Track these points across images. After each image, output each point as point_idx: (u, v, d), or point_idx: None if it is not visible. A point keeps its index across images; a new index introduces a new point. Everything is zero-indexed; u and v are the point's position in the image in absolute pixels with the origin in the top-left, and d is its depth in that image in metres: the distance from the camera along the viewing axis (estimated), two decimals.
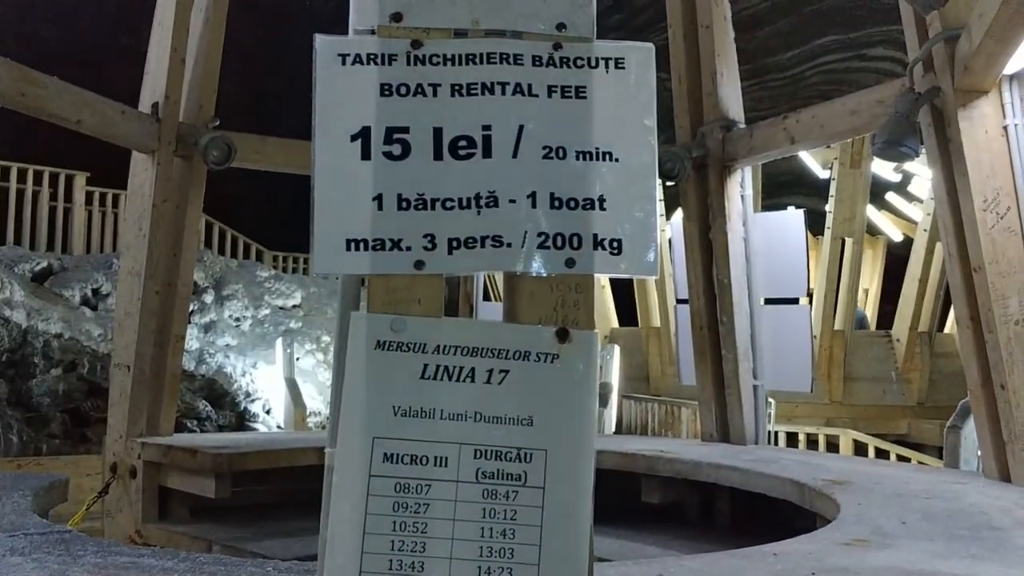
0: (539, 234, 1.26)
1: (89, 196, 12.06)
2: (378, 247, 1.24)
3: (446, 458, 1.20)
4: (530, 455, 1.21)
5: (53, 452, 8.04)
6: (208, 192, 5.66)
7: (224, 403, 9.59)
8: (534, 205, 1.27)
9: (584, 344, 1.26)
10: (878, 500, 3.30)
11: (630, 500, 4.67)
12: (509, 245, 1.25)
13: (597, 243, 1.28)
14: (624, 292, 14.89)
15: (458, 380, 1.23)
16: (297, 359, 10.11)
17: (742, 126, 5.34)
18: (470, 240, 1.25)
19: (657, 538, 4.31)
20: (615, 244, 1.28)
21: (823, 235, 12.10)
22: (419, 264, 1.25)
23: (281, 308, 10.96)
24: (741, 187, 5.27)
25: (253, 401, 9.80)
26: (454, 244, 1.25)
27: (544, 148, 1.29)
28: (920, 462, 8.46)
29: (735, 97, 5.41)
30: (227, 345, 10.24)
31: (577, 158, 1.30)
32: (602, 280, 15.27)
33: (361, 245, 1.24)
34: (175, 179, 5.27)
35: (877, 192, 13.10)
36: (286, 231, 9.99)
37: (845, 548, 2.54)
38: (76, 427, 8.55)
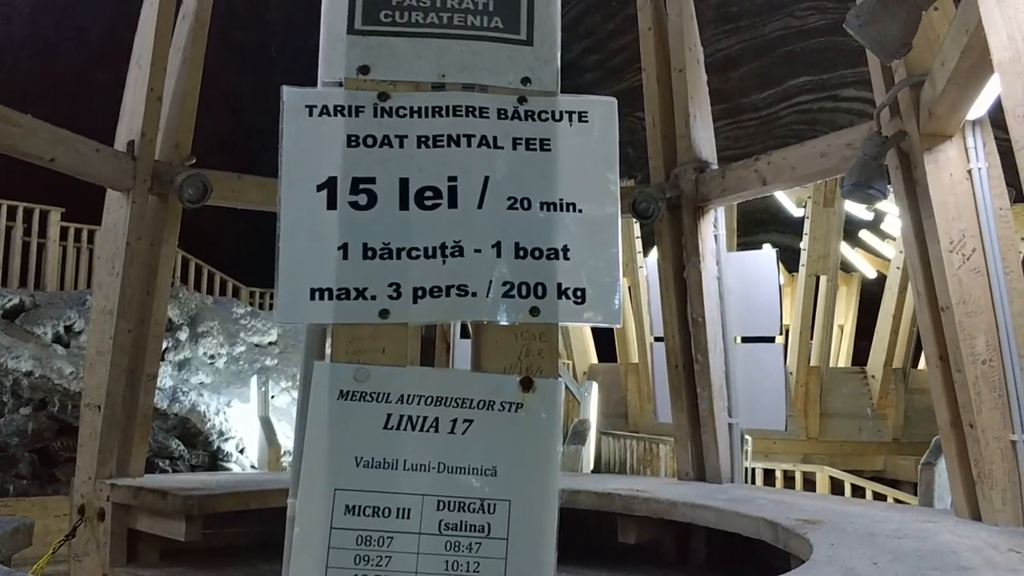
0: (504, 283, 1.28)
1: (64, 232, 11.97)
2: (343, 296, 1.25)
3: (409, 510, 1.20)
4: (494, 506, 1.21)
5: (20, 493, 7.87)
6: (185, 228, 5.63)
7: (197, 442, 9.45)
8: (499, 255, 1.29)
9: (548, 392, 1.27)
10: (850, 540, 3.30)
11: (607, 540, 4.64)
12: (474, 294, 1.27)
13: (561, 292, 1.29)
14: (604, 328, 14.93)
15: (422, 430, 1.23)
16: (272, 397, 10.01)
17: (715, 167, 5.42)
18: (435, 289, 1.27)
19: None
20: (579, 293, 1.30)
21: (798, 272, 12.24)
22: (384, 313, 1.26)
23: (257, 345, 10.88)
24: (714, 227, 5.34)
25: (227, 440, 9.67)
26: (419, 293, 1.26)
27: (509, 199, 1.31)
28: (896, 499, 8.49)
29: (708, 139, 5.50)
30: (201, 383, 10.13)
31: (541, 209, 1.32)
32: None
33: (326, 294, 1.25)
34: (150, 217, 5.24)
35: (851, 230, 13.31)
36: (263, 267, 9.92)
37: None
38: (45, 467, 8.39)
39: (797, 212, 12.24)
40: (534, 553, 1.19)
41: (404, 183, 1.29)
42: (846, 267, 14.13)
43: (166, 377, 9.76)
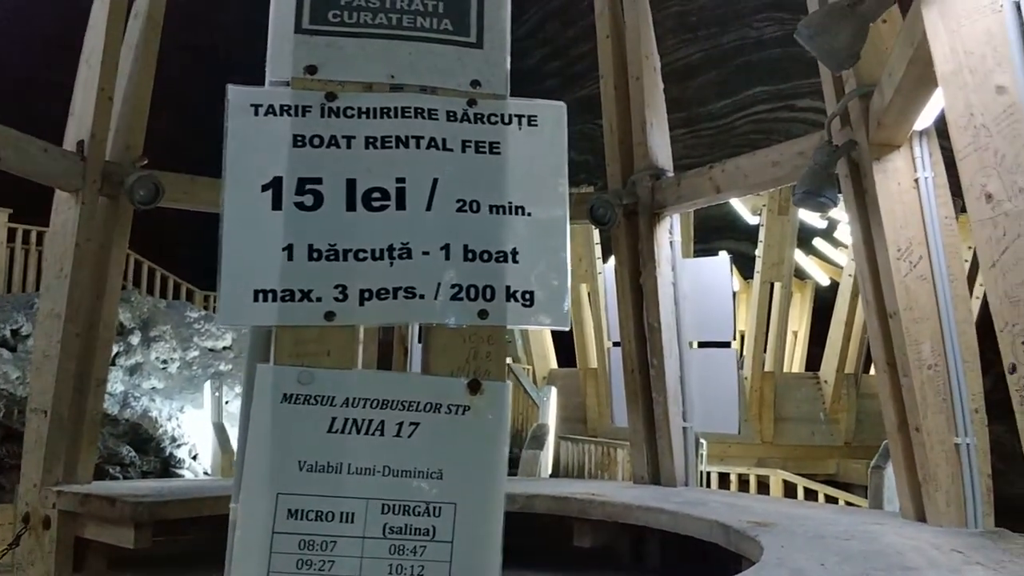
0: (452, 286, 1.28)
1: (11, 233, 11.67)
2: (287, 298, 1.24)
3: (353, 514, 1.19)
4: (439, 509, 1.21)
5: None
6: (137, 230, 5.53)
7: (149, 448, 9.26)
8: (448, 257, 1.29)
9: (496, 395, 1.27)
10: (799, 542, 3.35)
11: (562, 544, 4.66)
12: (422, 296, 1.26)
13: (510, 295, 1.29)
14: (563, 333, 14.96)
15: (367, 433, 1.22)
16: (226, 403, 9.85)
17: (671, 174, 5.48)
18: (382, 291, 1.26)
19: None
20: (528, 296, 1.30)
21: (753, 279, 12.42)
22: (329, 315, 1.24)
23: (211, 350, 10.70)
24: (670, 234, 5.39)
25: (179, 446, 9.49)
26: (366, 295, 1.26)
27: (458, 201, 1.31)
28: (848, 502, 8.64)
29: (664, 146, 5.56)
30: (153, 388, 9.93)
31: (491, 212, 1.32)
32: None
33: (269, 296, 1.23)
34: (99, 219, 5.13)
35: (804, 238, 13.54)
36: (217, 270, 9.78)
37: None
38: None
39: (752, 220, 12.43)
40: (479, 556, 1.18)
41: (351, 184, 1.28)
42: (800, 274, 14.38)
43: (117, 382, 9.55)
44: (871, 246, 4.06)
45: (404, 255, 1.27)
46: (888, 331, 3.96)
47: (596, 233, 12.88)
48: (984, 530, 3.61)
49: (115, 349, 9.51)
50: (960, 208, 4.27)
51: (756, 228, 12.51)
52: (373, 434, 1.21)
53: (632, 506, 4.43)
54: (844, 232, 13.22)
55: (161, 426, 9.47)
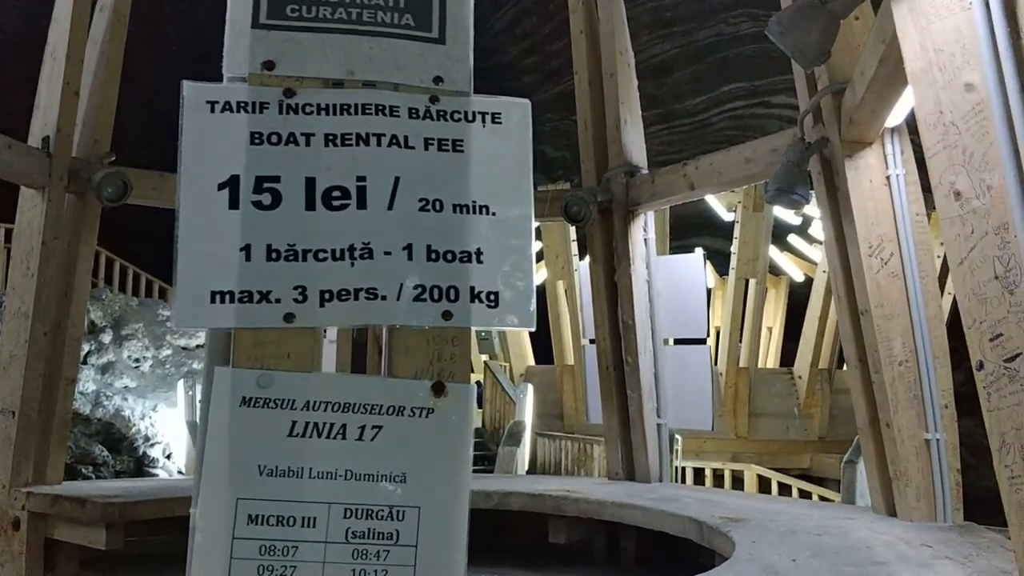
0: (415, 287, 1.25)
1: None
2: (245, 299, 1.21)
3: (315, 518, 1.17)
4: (403, 512, 1.19)
5: None
6: (108, 227, 5.45)
7: (122, 448, 9.14)
8: (410, 257, 1.26)
9: (460, 397, 1.25)
10: (772, 538, 3.37)
11: (537, 541, 4.65)
12: (384, 297, 1.24)
13: (474, 296, 1.27)
14: (541, 330, 14.98)
15: (328, 437, 1.20)
16: (200, 401, 9.75)
17: (645, 172, 5.48)
18: (343, 292, 1.23)
19: None
20: (492, 296, 1.28)
21: (728, 275, 12.49)
22: (289, 317, 1.22)
23: (184, 348, 10.58)
24: (644, 231, 5.39)
25: (153, 446, 9.38)
26: (326, 296, 1.23)
27: (420, 200, 1.28)
28: (821, 496, 8.72)
29: (638, 143, 5.56)
30: (126, 387, 9.80)
31: (454, 211, 1.30)
32: None
33: (227, 297, 1.20)
34: (67, 216, 5.06)
35: (779, 234, 13.64)
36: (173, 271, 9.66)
37: None
38: None
39: (728, 216, 12.49)
40: (444, 559, 1.17)
41: (311, 182, 1.25)
42: (775, 270, 14.48)
43: (89, 381, 9.42)
44: (842, 243, 4.08)
45: (365, 255, 1.24)
46: (859, 328, 3.99)
47: (573, 230, 12.89)
48: (953, 524, 3.65)
49: (86, 348, 9.37)
50: (932, 205, 4.31)
51: (731, 225, 12.58)
52: (335, 438, 1.19)
53: (607, 502, 4.43)
54: (819, 228, 13.34)
55: (134, 425, 9.35)
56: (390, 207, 1.27)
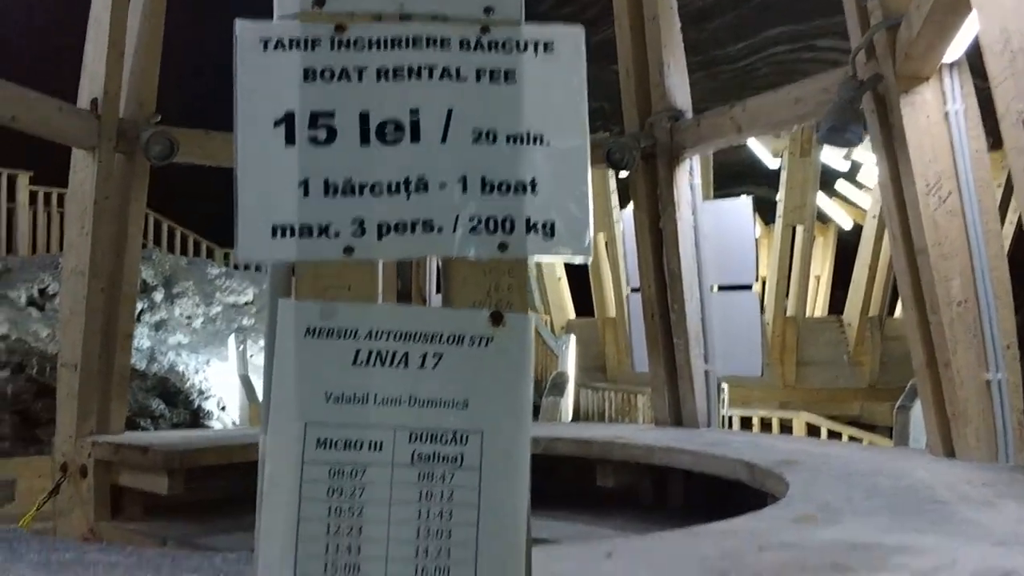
0: (470, 218, 1.25)
1: (33, 196, 11.77)
2: (305, 234, 1.22)
3: (381, 442, 1.19)
4: (466, 437, 1.21)
5: (3, 454, 7.84)
6: (157, 189, 5.55)
7: (178, 401, 9.43)
8: (465, 189, 1.26)
9: (518, 327, 1.26)
10: (826, 479, 3.36)
11: (585, 485, 4.71)
12: (440, 230, 1.24)
13: (530, 227, 1.27)
14: (581, 283, 14.97)
15: (391, 365, 1.22)
16: (251, 356, 9.97)
17: (690, 116, 5.38)
18: (400, 225, 1.24)
19: (612, 521, 4.35)
20: (548, 227, 1.28)
21: (774, 224, 12.29)
22: (348, 250, 1.23)
23: (233, 305, 10.81)
24: (690, 176, 5.32)
25: (207, 399, 9.66)
26: (384, 229, 1.24)
27: (474, 132, 1.28)
28: (871, 442, 8.65)
29: (683, 87, 5.45)
30: (179, 343, 10.07)
31: (508, 142, 1.29)
32: (558, 271, 15.35)
33: (288, 232, 1.22)
34: (117, 176, 5.17)
35: (827, 180, 13.36)
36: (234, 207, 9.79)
37: (793, 525, 2.58)
38: (27, 429, 8.35)
39: (773, 163, 12.26)
40: (508, 482, 1.19)
41: (364, 117, 1.25)
42: (822, 218, 14.22)
43: (143, 338, 9.69)
44: (898, 182, 3.98)
45: (421, 188, 1.24)
46: (916, 268, 3.91)
47: (612, 181, 12.78)
48: (1015, 465, 3.60)
49: (140, 306, 9.63)
50: (991, 145, 4.17)
51: (777, 173, 12.36)
52: (397, 366, 1.21)
53: (654, 447, 4.45)
54: (867, 174, 13.02)
55: (188, 379, 9.62)
56: (443, 140, 1.27)
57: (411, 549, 1.18)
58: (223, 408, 9.82)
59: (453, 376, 1.22)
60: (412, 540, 1.18)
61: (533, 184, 1.27)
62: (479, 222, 1.25)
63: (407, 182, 1.24)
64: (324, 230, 1.22)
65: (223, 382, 9.86)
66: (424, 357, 1.22)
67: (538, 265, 14.33)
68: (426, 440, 1.19)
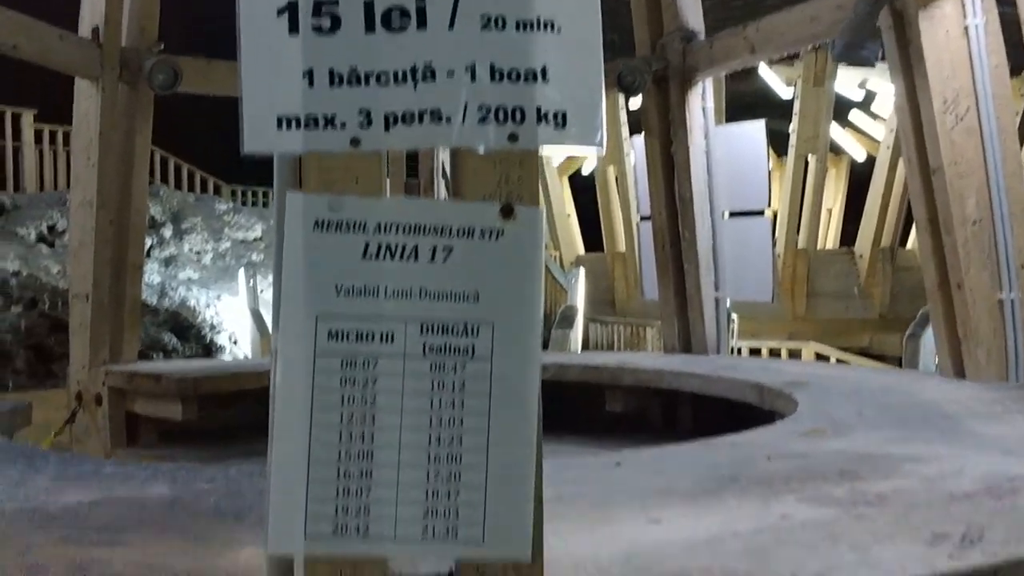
0: (479, 108, 1.22)
1: (39, 135, 11.71)
2: (311, 125, 1.19)
3: (392, 333, 1.18)
4: (477, 328, 1.20)
5: (19, 388, 7.97)
6: (162, 126, 5.50)
7: (189, 335, 9.52)
8: (473, 78, 1.22)
9: (529, 220, 1.24)
10: (836, 398, 3.37)
11: (594, 411, 4.74)
12: (448, 120, 1.21)
13: (541, 116, 1.23)
14: (590, 219, 14.90)
15: (401, 259, 1.20)
16: (261, 291, 10.02)
17: (702, 37, 5.25)
18: (407, 115, 1.21)
19: (621, 444, 4.38)
20: (559, 117, 1.24)
21: (786, 155, 12.13)
22: (355, 141, 1.20)
23: (242, 241, 10.82)
24: (703, 100, 5.22)
25: (219, 333, 9.74)
26: (391, 120, 1.21)
27: (482, 17, 1.23)
28: None
29: (695, 8, 5.31)
30: (189, 279, 10.12)
31: (517, 28, 1.24)
32: (567, 207, 15.26)
33: (293, 123, 1.19)
34: (121, 106, 5.11)
35: (841, 111, 13.12)
36: (243, 165, 9.76)
37: (802, 437, 2.60)
38: (41, 363, 8.47)
39: (786, 92, 12.04)
40: (519, 373, 1.19)
41: (369, 4, 1.21)
42: (835, 149, 14.01)
43: (154, 274, 9.73)
44: (915, 101, 3.90)
45: (428, 77, 1.21)
46: (931, 188, 3.85)
47: (624, 112, 12.60)
48: None
49: (149, 242, 9.64)
50: (1013, 57, 4.06)
51: (790, 103, 12.14)
52: (407, 259, 1.19)
53: (664, 371, 4.48)
54: (882, 104, 12.77)
55: (200, 314, 9.69)
56: (451, 26, 1.23)
57: (423, 437, 1.19)
58: (235, 342, 9.91)
59: (463, 269, 1.20)
60: (425, 428, 1.19)
61: (544, 72, 1.23)
62: (488, 111, 1.21)
63: (414, 71, 1.21)
64: (330, 121, 1.19)
65: (234, 316, 9.93)
66: (434, 250, 1.20)
67: (548, 201, 14.24)
68: (437, 332, 1.18)
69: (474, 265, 1.21)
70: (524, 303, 1.20)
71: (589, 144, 1.24)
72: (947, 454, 2.28)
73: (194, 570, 1.50)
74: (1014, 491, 1.89)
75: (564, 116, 1.24)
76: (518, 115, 1.23)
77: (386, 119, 1.20)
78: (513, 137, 1.23)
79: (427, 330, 1.18)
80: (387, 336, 1.17)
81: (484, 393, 1.18)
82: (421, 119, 1.21)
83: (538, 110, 1.23)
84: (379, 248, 1.20)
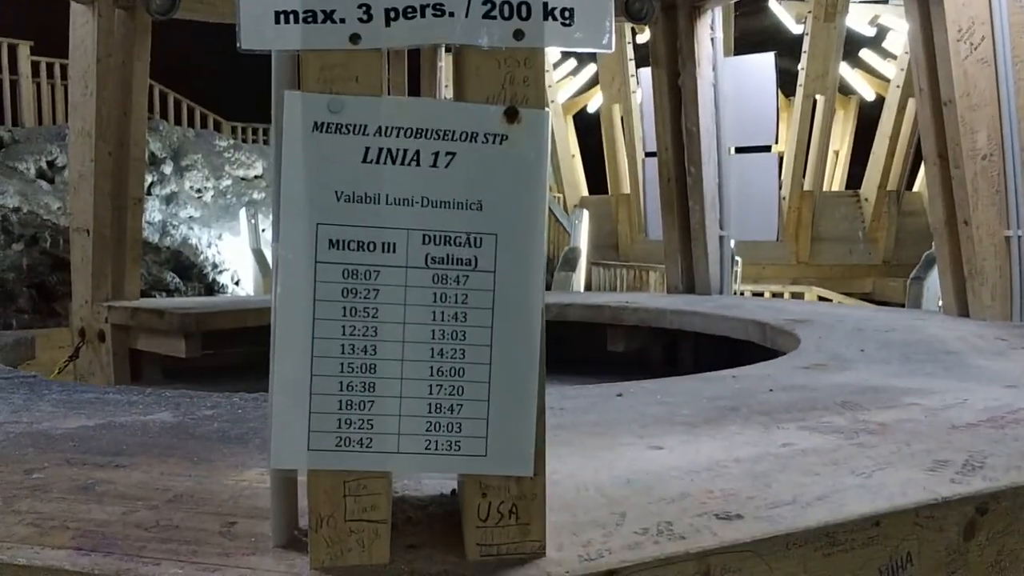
0: (484, 2, 1.17)
1: (36, 67, 11.51)
2: (309, 19, 1.14)
3: (394, 243, 1.15)
4: (480, 239, 1.17)
5: (23, 327, 7.99)
6: (162, 62, 5.38)
7: (191, 274, 9.51)
8: None
9: (534, 124, 1.19)
10: (839, 335, 3.35)
11: (596, 351, 4.74)
12: (451, 14, 1.16)
13: (547, 12, 1.18)
14: (594, 161, 14.74)
15: (403, 163, 1.16)
16: (263, 230, 9.98)
17: None
18: (409, 10, 1.15)
19: (622, 381, 4.40)
20: (567, 13, 1.19)
21: (794, 96, 11.93)
22: (355, 38, 1.15)
23: (243, 179, 10.72)
24: (711, 30, 5.09)
25: (221, 272, 9.72)
26: (392, 15, 1.15)
27: None
28: None
29: None
30: (190, 217, 10.05)
31: None
32: (572, 148, 15.08)
33: (291, 17, 1.14)
34: (118, 32, 4.99)
35: (851, 49, 12.87)
36: (244, 102, 9.64)
37: (804, 371, 2.59)
38: (44, 302, 8.47)
39: (796, 29, 11.77)
40: (522, 285, 1.16)
41: None
42: (844, 90, 13.78)
43: (155, 211, 9.67)
44: (928, 29, 3.80)
45: None
46: (942, 121, 3.78)
47: (631, 48, 12.36)
48: None
49: (149, 179, 9.55)
50: None
51: (799, 41, 11.88)
52: (409, 164, 1.15)
53: (666, 310, 4.45)
54: (893, 41, 12.51)
55: (202, 253, 9.66)
56: None
57: (426, 350, 1.16)
58: (237, 282, 9.90)
59: (466, 176, 1.17)
60: (427, 341, 1.16)
61: None
62: (493, 6, 1.16)
63: None
64: (329, 15, 1.14)
65: (236, 256, 9.90)
66: (436, 156, 1.16)
67: (552, 141, 14.07)
68: (440, 243, 1.15)
69: (477, 172, 1.17)
70: (528, 213, 1.17)
71: (597, 46, 1.19)
72: (949, 387, 2.27)
73: (198, 491, 1.49)
74: (1016, 421, 1.88)
75: (572, 13, 1.18)
76: (524, 10, 1.17)
77: (387, 13, 1.15)
78: (519, 34, 1.17)
79: (429, 240, 1.14)
80: (389, 246, 1.13)
81: (487, 307, 1.15)
82: (423, 13, 1.16)
83: (544, 5, 1.18)
84: (380, 152, 1.16)
